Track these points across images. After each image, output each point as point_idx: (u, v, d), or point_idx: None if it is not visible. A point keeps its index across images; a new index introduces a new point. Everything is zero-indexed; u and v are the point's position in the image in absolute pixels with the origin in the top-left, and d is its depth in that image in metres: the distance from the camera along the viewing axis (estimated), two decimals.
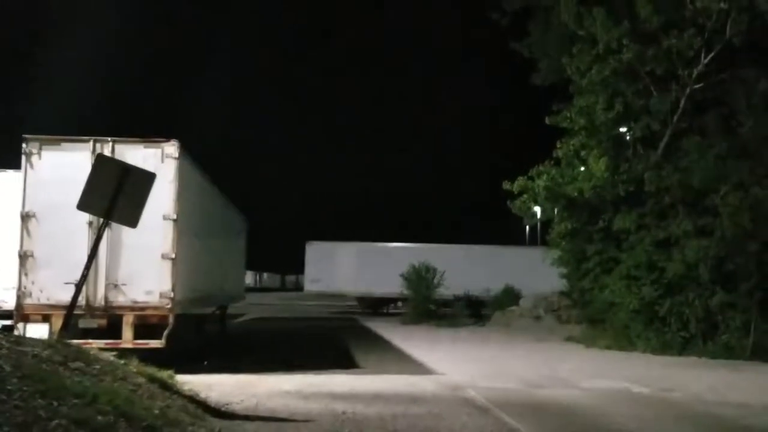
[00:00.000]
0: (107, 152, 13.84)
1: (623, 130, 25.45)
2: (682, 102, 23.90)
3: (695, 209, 22.35)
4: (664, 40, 23.03)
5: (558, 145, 25.86)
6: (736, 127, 22.82)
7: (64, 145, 14.32)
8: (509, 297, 37.06)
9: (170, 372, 11.39)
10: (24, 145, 14.07)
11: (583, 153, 25.38)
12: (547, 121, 26.05)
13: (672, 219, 22.71)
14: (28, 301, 13.59)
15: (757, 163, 21.62)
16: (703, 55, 23.22)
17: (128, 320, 13.79)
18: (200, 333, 18.61)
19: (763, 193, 20.56)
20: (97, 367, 9.13)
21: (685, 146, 23.25)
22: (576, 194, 24.84)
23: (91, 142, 14.21)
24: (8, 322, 13.91)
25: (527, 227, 54.38)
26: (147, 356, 11.92)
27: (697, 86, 23.67)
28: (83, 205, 10.57)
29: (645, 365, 18.40)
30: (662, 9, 22.99)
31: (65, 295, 11.77)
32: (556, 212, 26.94)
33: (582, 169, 25.42)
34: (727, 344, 20.83)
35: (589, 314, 26.11)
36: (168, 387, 10.35)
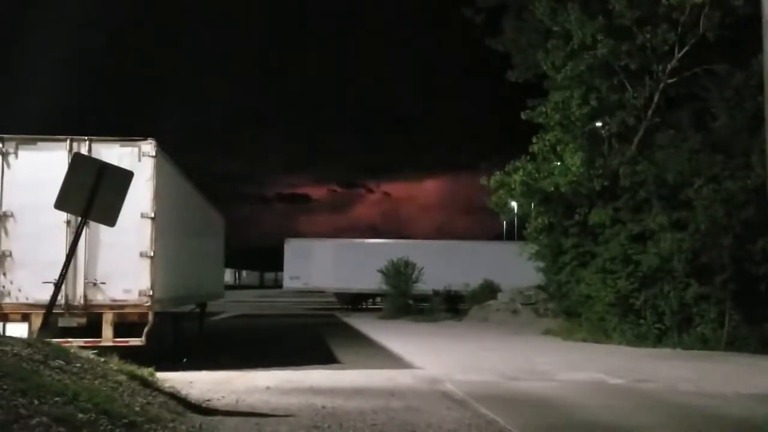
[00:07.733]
0: (84, 151, 13.74)
1: (598, 125, 25.65)
2: (656, 97, 24.27)
3: (670, 203, 22.48)
4: (639, 35, 23.32)
5: (534, 141, 25.94)
6: (709, 122, 23.08)
7: (41, 144, 14.16)
8: (487, 291, 37.07)
9: (150, 369, 11.46)
10: (0, 145, 13.98)
11: (558, 148, 25.46)
12: (522, 116, 26.23)
13: (647, 213, 22.89)
14: (6, 300, 13.47)
15: (729, 156, 21.78)
16: (676, 50, 23.55)
17: (108, 318, 13.69)
18: (180, 330, 18.61)
19: (736, 186, 20.72)
20: (78, 365, 9.15)
21: (659, 141, 23.55)
22: (552, 189, 24.93)
23: (68, 141, 14.05)
24: None
25: (504, 222, 54.56)
26: (127, 354, 11.93)
27: (670, 81, 24.03)
28: (61, 204, 10.50)
29: (620, 357, 18.57)
30: (636, 4, 23.21)
31: (44, 295, 11.73)
32: (532, 207, 27.13)
33: (558, 164, 25.48)
34: (702, 336, 21.14)
35: (565, 307, 26.41)
36: (148, 384, 10.39)
